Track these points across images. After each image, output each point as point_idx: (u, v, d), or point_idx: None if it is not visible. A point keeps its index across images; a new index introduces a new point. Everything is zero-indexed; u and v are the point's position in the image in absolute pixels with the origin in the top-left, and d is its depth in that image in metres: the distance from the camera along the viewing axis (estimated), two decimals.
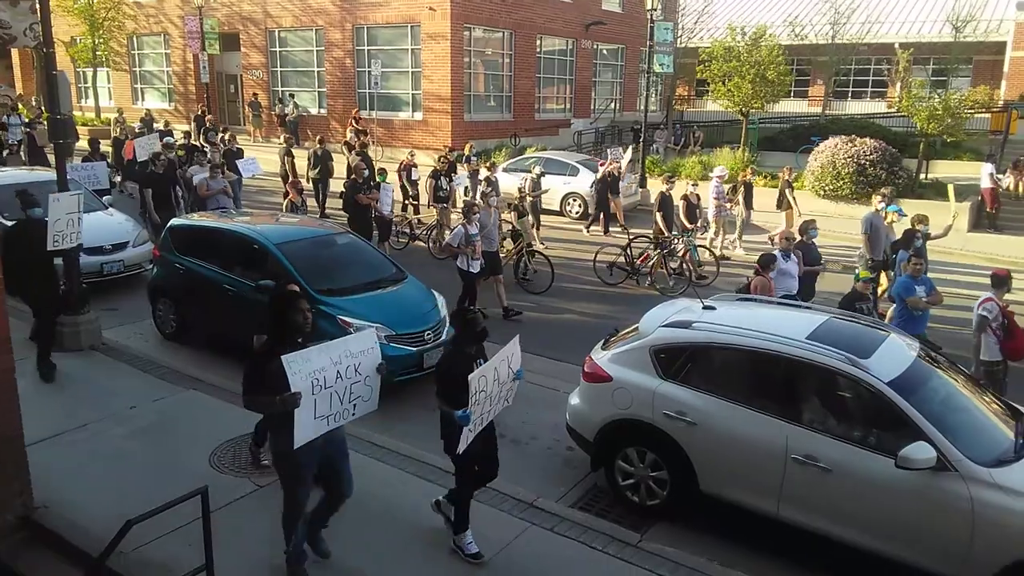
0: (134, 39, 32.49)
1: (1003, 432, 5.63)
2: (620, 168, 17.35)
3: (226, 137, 18.21)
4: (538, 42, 28.03)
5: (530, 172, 16.13)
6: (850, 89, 36.29)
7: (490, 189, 14.07)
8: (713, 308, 6.72)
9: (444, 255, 12.85)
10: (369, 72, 25.19)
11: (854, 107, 33.17)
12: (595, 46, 30.80)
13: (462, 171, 16.97)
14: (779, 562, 5.78)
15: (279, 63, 28.69)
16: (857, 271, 9.42)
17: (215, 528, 4.80)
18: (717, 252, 14.40)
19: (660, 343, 6.38)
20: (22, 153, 19.43)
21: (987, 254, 15.21)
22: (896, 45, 27.83)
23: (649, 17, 21.28)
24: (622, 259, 13.17)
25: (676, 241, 13.20)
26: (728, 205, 15.14)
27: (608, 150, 19.33)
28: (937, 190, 19.09)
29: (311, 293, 8.27)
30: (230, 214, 10.89)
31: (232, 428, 7.12)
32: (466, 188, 16.31)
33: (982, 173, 18.32)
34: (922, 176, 20.14)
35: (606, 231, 16.65)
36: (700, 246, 13.66)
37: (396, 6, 24.95)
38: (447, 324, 8.78)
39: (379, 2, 25.30)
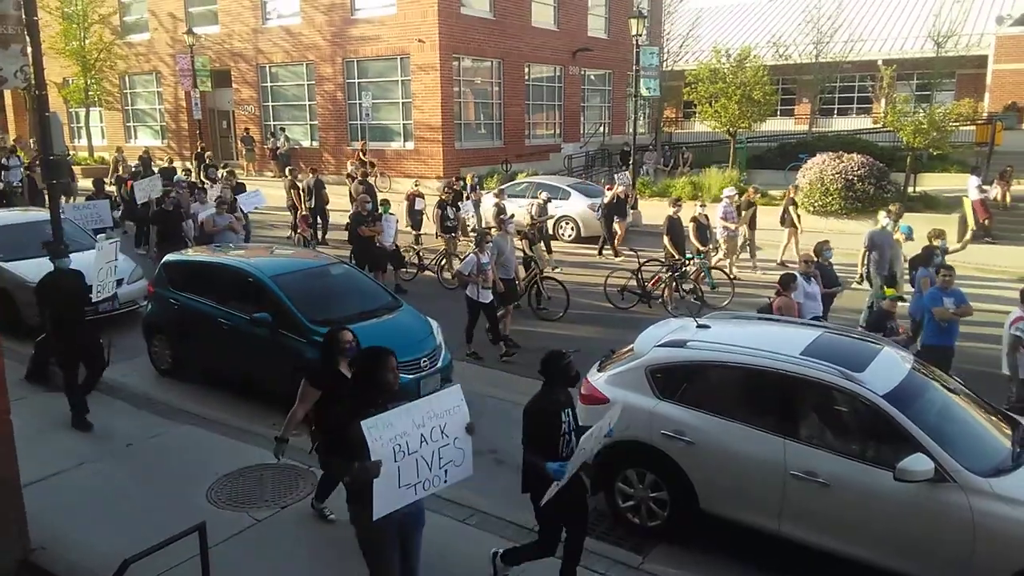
0: (126, 78, 32.79)
1: (1000, 442, 5.64)
2: (627, 192, 17.38)
3: (225, 173, 18.26)
4: (526, 70, 28.37)
5: (537, 197, 16.10)
6: (835, 106, 36.76)
7: (507, 215, 13.71)
8: (707, 327, 6.75)
9: (456, 284, 12.06)
10: (360, 104, 25.46)
11: (840, 124, 33.57)
12: (583, 72, 31.18)
13: (467, 200, 17.07)
14: None
15: (271, 98, 28.97)
16: (882, 290, 9.24)
17: (214, 564, 4.77)
18: (731, 273, 14.28)
19: (656, 363, 6.39)
20: (25, 194, 19.51)
21: (980, 264, 15.29)
22: (879, 62, 28.19)
23: (635, 42, 21.59)
24: (633, 283, 13.00)
25: (688, 264, 13.04)
26: (733, 226, 15.06)
27: (616, 175, 19.45)
28: (926, 203, 19.26)
29: (306, 324, 8.30)
30: (224, 248, 10.91)
31: (229, 462, 7.09)
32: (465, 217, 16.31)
33: (969, 185, 18.50)
34: (910, 190, 20.33)
35: (600, 251, 16.84)
36: (714, 268, 13.48)
37: (386, 39, 25.27)
38: (443, 350, 8.81)
39: (369, 36, 25.62)
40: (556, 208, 18.42)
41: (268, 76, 28.71)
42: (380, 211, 14.00)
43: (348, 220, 13.61)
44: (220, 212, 13.08)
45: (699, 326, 6.76)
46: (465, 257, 10.93)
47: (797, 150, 24.12)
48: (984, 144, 21.02)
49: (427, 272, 14.90)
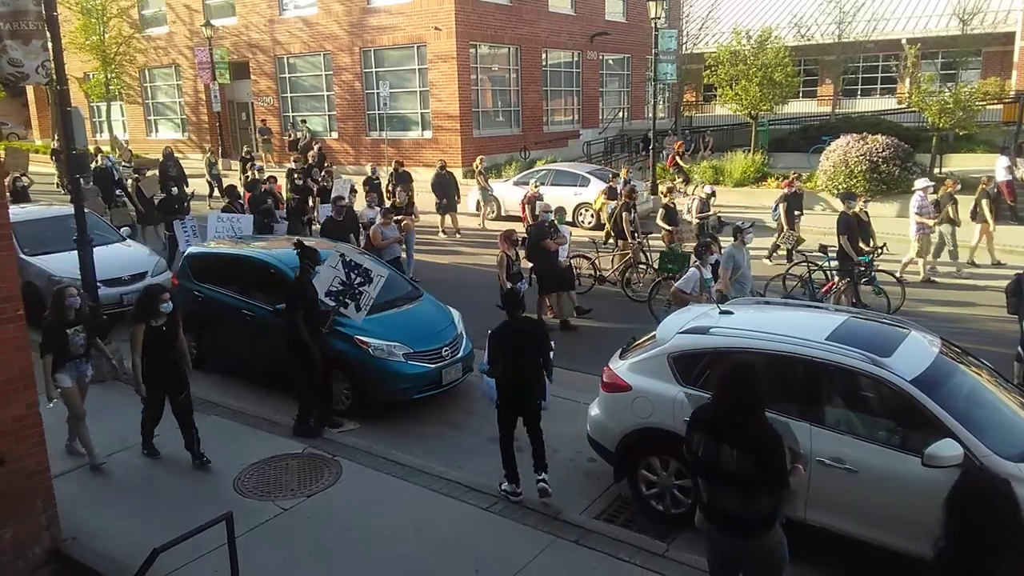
0: (146, 72, 33.05)
1: None
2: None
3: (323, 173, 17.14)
4: (543, 55, 28.19)
5: (698, 191, 14.38)
6: (859, 87, 36.18)
7: (748, 224, 11.33)
8: (731, 313, 6.68)
9: (673, 301, 9.29)
10: (378, 94, 25.47)
11: (864, 105, 33.02)
12: (601, 57, 30.91)
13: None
14: (804, 565, 5.69)
15: (289, 89, 29.05)
16: None
17: (241, 552, 4.82)
18: (921, 275, 12.93)
19: (678, 350, 6.33)
20: (130, 206, 16.16)
21: (1008, 246, 15.01)
22: (903, 41, 27.72)
23: (653, 26, 21.35)
24: (798, 285, 11.77)
25: (867, 268, 11.50)
26: (931, 222, 13.28)
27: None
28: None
29: None
30: (246, 240, 10.96)
31: (254, 452, 7.17)
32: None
33: (997, 166, 18.12)
34: (936, 170, 19.97)
35: (790, 257, 14.20)
36: (883, 270, 11.86)
37: (403, 28, 25.22)
38: (464, 339, 8.81)
39: (386, 25, 25.58)
40: (576, 195, 18.36)
41: (286, 67, 28.77)
42: (555, 220, 11.77)
43: (527, 233, 11.69)
44: (387, 223, 11.96)
45: (722, 312, 6.70)
46: (687, 272, 9.30)
47: (820, 132, 23.79)
48: (1011, 123, 20.58)
49: (605, 284, 12.90)
